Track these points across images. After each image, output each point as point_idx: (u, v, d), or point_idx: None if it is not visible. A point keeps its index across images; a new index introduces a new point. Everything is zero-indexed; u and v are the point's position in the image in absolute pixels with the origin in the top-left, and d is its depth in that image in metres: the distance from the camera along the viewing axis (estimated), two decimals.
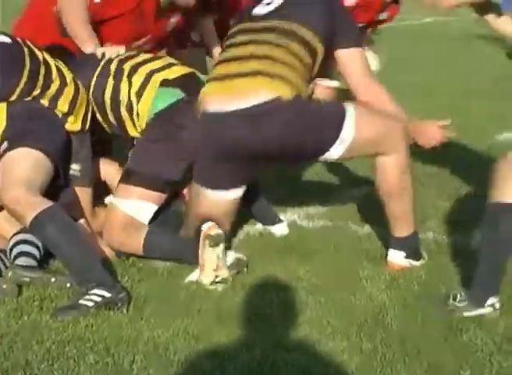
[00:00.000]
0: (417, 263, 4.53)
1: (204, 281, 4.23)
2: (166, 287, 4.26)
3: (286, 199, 5.72)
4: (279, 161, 4.61)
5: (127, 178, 4.55)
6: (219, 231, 4.21)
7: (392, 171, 4.26)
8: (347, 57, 4.33)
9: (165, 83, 4.57)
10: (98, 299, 3.82)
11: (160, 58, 4.90)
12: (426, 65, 13.51)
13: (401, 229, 4.47)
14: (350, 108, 4.20)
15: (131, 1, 4.85)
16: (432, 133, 4.36)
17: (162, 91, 4.56)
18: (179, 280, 4.34)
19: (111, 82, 4.61)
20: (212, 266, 4.22)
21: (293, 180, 6.40)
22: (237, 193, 4.47)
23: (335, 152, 4.20)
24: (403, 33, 17.52)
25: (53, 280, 4.08)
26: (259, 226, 5.25)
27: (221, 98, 4.18)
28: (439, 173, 6.48)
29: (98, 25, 4.88)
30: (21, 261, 4.17)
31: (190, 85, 4.59)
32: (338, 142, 4.14)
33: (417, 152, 4.94)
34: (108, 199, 4.74)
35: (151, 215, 4.57)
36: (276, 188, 5.92)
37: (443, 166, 6.54)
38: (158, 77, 4.58)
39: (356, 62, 4.33)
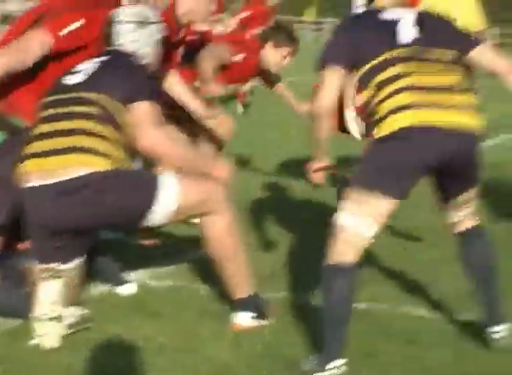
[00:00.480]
0: (261, 323, 4.60)
1: (37, 312, 4.23)
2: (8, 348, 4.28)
3: (134, 259, 5.76)
4: (98, 228, 4.70)
5: None
6: (61, 267, 4.30)
7: (219, 234, 4.42)
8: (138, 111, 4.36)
9: None
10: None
11: None
12: None
13: (241, 290, 4.57)
14: (169, 177, 4.36)
15: (96, 31, 4.70)
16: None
17: None
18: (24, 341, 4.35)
19: None
20: (49, 298, 4.23)
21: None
22: (77, 262, 4.47)
23: (156, 219, 4.33)
24: None
25: None
26: (107, 285, 5.26)
27: (38, 174, 4.23)
28: None
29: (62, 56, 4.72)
30: None
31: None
32: (157, 210, 4.27)
33: None
34: None
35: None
36: (126, 248, 5.98)
37: None
38: None
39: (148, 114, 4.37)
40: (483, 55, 4.21)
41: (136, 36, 4.54)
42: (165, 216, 4.34)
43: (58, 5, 4.74)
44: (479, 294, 4.26)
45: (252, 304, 4.58)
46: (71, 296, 4.46)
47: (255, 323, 4.58)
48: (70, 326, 4.37)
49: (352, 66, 4.09)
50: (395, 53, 4.01)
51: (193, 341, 4.37)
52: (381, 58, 4.01)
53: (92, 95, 4.29)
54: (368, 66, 4.02)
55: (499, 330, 4.18)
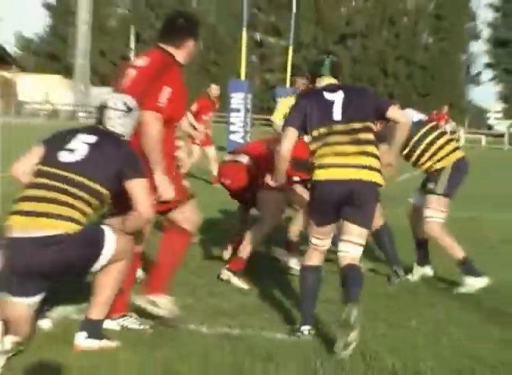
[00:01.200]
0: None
1: None
2: None
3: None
4: (61, 275, 5.42)
5: None
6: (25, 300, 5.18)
7: (115, 268, 5.41)
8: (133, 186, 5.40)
9: None
10: None
11: None
12: None
13: (97, 312, 5.49)
14: (108, 231, 5.34)
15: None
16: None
17: None
18: None
19: None
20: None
21: None
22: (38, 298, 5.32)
23: (99, 265, 5.34)
24: None
25: None
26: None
27: (22, 229, 5.15)
28: None
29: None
30: None
31: None
32: (102, 258, 5.30)
33: None
34: None
35: None
36: None
37: None
38: None
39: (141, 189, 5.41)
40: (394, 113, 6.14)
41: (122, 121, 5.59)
42: (102, 264, 5.32)
43: None
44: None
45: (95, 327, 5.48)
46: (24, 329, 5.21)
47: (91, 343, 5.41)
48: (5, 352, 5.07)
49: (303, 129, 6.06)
50: (328, 128, 5.94)
51: None
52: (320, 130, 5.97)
53: (84, 180, 5.27)
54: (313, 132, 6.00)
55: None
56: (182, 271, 6.63)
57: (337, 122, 5.94)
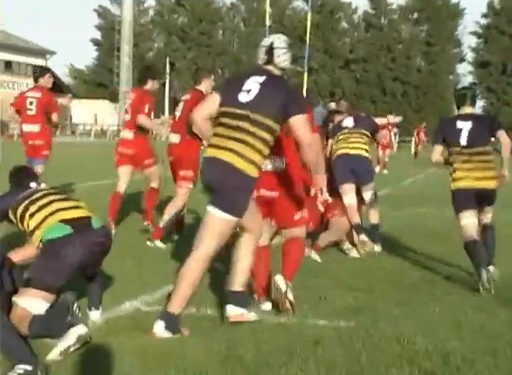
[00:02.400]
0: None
1: None
2: None
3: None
4: None
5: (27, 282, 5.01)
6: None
7: (199, 267, 5.32)
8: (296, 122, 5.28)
9: (61, 221, 5.19)
10: (22, 372, 4.30)
11: (71, 200, 5.55)
12: None
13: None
14: None
15: None
16: None
17: (55, 226, 5.14)
18: None
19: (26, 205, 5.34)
20: None
21: None
22: None
23: None
24: None
25: None
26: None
27: (211, 154, 5.29)
28: None
29: None
30: None
31: (80, 226, 5.19)
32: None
33: None
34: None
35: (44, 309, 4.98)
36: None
37: None
38: (57, 217, 5.20)
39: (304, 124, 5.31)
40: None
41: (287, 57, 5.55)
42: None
43: None
44: None
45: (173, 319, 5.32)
46: None
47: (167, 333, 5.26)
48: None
49: None
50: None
51: None
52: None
53: (254, 115, 5.23)
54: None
55: None
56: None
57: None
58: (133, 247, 5.87)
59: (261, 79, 5.39)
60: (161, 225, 8.98)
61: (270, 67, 5.53)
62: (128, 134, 9.74)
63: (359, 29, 72.95)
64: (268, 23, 50.73)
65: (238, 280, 5.53)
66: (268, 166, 5.85)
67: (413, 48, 70.93)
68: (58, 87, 63.09)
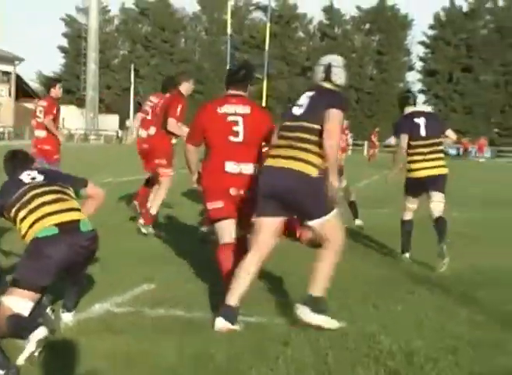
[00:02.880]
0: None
1: None
2: None
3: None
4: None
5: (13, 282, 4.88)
6: None
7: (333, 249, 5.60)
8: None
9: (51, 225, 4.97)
10: None
11: (62, 201, 5.16)
12: None
13: None
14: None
15: None
16: None
17: (42, 230, 4.94)
18: None
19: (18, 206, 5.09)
20: None
21: None
22: None
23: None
24: None
25: None
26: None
27: (272, 164, 5.49)
28: None
29: None
30: None
31: (67, 228, 4.97)
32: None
33: None
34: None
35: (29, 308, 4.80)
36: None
37: None
38: (45, 222, 4.96)
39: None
40: None
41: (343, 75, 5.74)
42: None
43: None
44: None
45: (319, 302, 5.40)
46: None
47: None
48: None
49: None
50: None
51: None
52: None
53: (307, 124, 5.45)
54: None
55: None
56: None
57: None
58: (101, 249, 5.72)
59: (312, 93, 5.59)
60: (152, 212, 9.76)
61: (327, 84, 5.67)
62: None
63: (314, 38, 73.11)
64: (228, 32, 51.01)
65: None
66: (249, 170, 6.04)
67: (365, 57, 71.30)
68: (26, 93, 62.46)
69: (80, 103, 65.68)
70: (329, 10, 72.10)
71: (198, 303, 6.07)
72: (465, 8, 70.04)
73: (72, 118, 59.62)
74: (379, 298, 6.49)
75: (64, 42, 75.84)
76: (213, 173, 6.07)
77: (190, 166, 6.34)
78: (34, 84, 71.18)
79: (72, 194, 5.28)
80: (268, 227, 5.47)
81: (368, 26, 72.22)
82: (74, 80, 71.03)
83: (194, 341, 5.00)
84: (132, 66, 69.45)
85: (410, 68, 73.26)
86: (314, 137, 5.39)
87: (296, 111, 5.55)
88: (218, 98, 6.43)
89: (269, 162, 5.54)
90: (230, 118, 6.07)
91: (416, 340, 5.21)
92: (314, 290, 5.40)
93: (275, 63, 64.87)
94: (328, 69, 5.68)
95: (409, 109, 8.49)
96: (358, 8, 71.95)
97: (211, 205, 6.07)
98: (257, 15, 72.18)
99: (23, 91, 63.71)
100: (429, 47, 71.83)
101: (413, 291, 6.81)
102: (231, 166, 6.00)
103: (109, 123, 64.10)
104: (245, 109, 6.13)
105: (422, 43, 72.14)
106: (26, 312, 4.74)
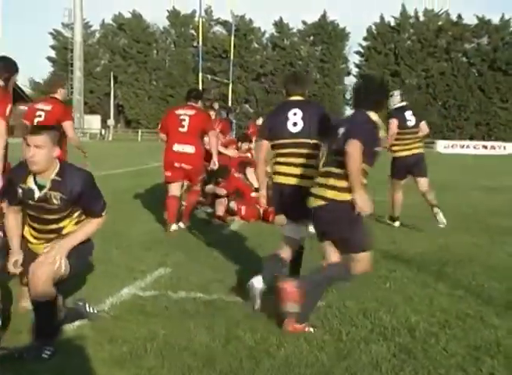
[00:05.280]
0: None
1: None
2: None
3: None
4: None
5: None
6: None
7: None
8: None
9: None
10: None
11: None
12: None
13: None
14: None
15: None
16: None
17: None
18: None
19: None
20: None
21: None
22: None
23: None
24: None
25: None
26: None
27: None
28: None
29: None
30: None
31: None
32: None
33: None
34: None
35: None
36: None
37: None
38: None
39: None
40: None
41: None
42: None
43: None
44: None
45: None
46: None
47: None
48: None
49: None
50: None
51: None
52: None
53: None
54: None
55: None
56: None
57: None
58: (112, 236, 5.51)
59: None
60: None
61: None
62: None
63: (267, 48, 72.48)
64: (195, 44, 50.27)
65: None
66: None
67: (310, 64, 71.03)
68: (19, 97, 60.92)
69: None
70: (279, 24, 71.65)
71: (214, 285, 5.75)
72: (392, 23, 70.18)
73: None
74: (365, 276, 6.17)
75: (52, 53, 74.11)
76: (166, 151, 8.30)
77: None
78: (27, 90, 69.42)
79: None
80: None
81: (312, 38, 71.90)
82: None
83: (221, 322, 4.70)
84: (111, 74, 68.38)
85: (348, 73, 73.20)
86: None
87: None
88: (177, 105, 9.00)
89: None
90: (181, 117, 8.23)
91: (412, 315, 5.00)
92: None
93: (234, 70, 64.32)
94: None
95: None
96: (304, 22, 71.63)
97: (165, 173, 8.34)
98: (218, 29, 71.36)
99: (16, 95, 62.21)
100: (363, 55, 71.77)
101: (394, 269, 6.57)
102: (177, 147, 8.20)
103: (93, 122, 62.94)
104: (192, 112, 8.28)
105: (358, 52, 72.08)
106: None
